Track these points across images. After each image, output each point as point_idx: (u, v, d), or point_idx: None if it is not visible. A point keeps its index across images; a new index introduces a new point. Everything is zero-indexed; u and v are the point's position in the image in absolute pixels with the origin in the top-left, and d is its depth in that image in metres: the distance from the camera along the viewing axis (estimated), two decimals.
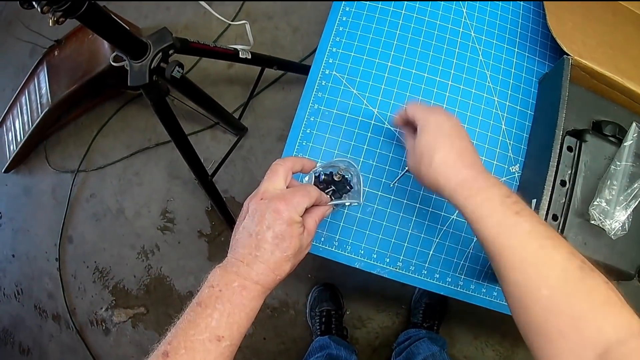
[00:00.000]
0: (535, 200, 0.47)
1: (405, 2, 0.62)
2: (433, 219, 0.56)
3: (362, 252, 0.55)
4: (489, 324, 1.21)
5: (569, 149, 0.47)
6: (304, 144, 0.58)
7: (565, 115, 0.50)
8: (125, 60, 0.71)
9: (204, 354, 0.33)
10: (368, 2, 0.62)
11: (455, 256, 0.55)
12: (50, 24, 0.56)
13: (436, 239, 0.55)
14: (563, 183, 0.47)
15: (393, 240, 0.55)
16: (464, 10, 0.62)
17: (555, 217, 0.46)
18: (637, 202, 0.47)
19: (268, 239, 0.37)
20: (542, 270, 0.30)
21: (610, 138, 0.51)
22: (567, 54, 0.50)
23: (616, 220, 0.46)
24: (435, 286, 0.55)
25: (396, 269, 0.55)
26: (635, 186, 0.48)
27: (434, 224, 0.55)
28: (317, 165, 0.49)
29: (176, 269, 1.37)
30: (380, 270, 0.55)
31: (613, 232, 0.46)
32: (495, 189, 0.35)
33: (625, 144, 0.49)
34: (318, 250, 0.56)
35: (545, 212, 0.46)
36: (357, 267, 0.55)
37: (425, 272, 0.55)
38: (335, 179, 0.52)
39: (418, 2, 0.62)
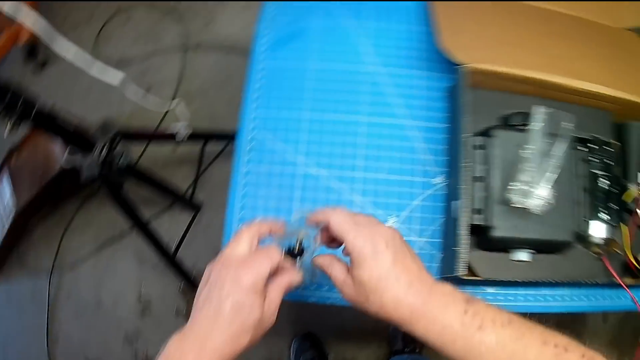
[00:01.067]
0: (458, 201, 0.51)
1: (313, 55, 0.68)
2: None
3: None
4: None
5: (481, 147, 0.53)
6: (245, 207, 0.61)
7: (473, 118, 0.56)
8: (75, 159, 0.75)
9: None
10: (279, 60, 0.69)
11: None
12: (7, 133, 0.61)
13: None
14: (480, 179, 0.52)
15: None
16: (367, 42, 0.69)
17: (479, 211, 0.51)
18: (555, 175, 0.53)
19: (227, 308, 0.34)
20: None
21: (520, 127, 0.57)
22: (463, 64, 0.57)
23: (537, 197, 0.51)
24: None
25: None
26: (550, 162, 0.53)
27: None
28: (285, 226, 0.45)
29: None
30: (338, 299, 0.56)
31: (537, 208, 0.51)
32: (450, 311, 0.33)
33: (532, 127, 0.55)
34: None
35: (468, 209, 0.51)
36: (313, 301, 0.56)
37: None
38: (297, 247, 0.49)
39: (324, 58, 0.68)
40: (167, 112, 1.48)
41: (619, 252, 0.61)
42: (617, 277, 0.58)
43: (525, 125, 0.56)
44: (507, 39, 0.62)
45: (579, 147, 0.61)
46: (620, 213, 0.60)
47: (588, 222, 0.58)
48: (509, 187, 0.51)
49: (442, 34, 0.58)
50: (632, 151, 0.64)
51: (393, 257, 0.35)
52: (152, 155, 1.45)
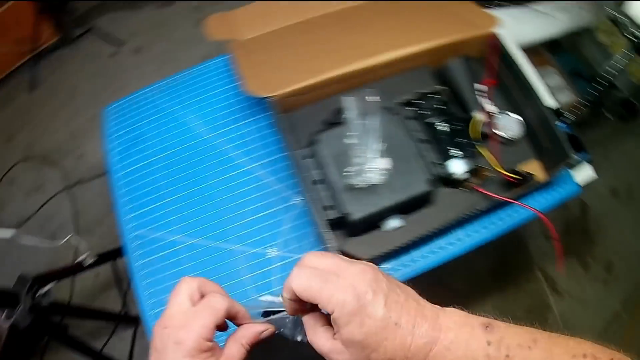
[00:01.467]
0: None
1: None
2: None
3: None
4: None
5: (310, 155, 0.59)
6: (152, 296, 0.65)
7: (300, 133, 0.63)
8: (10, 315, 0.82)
9: None
10: (133, 165, 0.76)
11: None
12: None
13: None
14: (320, 181, 0.57)
15: None
16: (194, 117, 0.76)
17: (329, 207, 0.56)
18: (380, 145, 0.57)
19: None
20: None
21: (340, 122, 0.62)
22: (269, 97, 0.63)
23: (372, 169, 0.55)
24: None
25: None
26: (371, 136, 0.57)
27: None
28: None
29: None
30: None
31: (377, 178, 0.55)
32: (472, 346, 0.29)
33: (346, 116, 0.60)
34: None
35: (317, 210, 0.55)
36: None
37: None
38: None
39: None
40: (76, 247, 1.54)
41: (491, 174, 0.65)
42: (495, 195, 0.61)
43: (343, 118, 0.62)
44: (302, 57, 0.69)
45: (407, 109, 0.67)
46: (470, 144, 0.64)
47: (444, 165, 0.62)
48: (344, 173, 0.56)
49: (244, 79, 0.65)
50: (459, 86, 0.70)
51: (384, 301, 0.29)
52: (81, 288, 1.41)
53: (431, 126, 0.64)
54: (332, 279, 0.30)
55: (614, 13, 0.96)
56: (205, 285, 0.35)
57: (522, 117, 0.70)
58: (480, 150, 0.65)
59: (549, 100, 0.76)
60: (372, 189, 0.56)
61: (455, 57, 0.70)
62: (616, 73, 1.09)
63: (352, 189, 0.56)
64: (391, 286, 0.30)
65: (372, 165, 0.55)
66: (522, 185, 0.63)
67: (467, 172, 0.62)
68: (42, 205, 1.64)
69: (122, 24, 1.86)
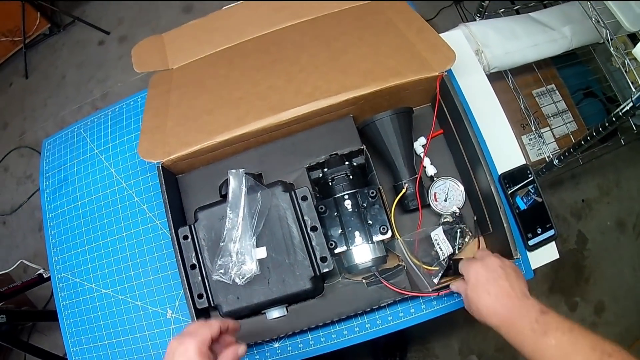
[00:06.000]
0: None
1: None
2: None
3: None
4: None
5: (185, 237, 0.52)
6: (73, 334, 0.67)
7: (197, 199, 0.57)
8: None
9: None
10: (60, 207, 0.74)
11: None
12: None
13: None
14: (193, 267, 0.51)
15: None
16: (112, 171, 0.72)
17: (200, 296, 0.50)
18: (259, 230, 0.50)
19: None
20: None
21: (224, 197, 0.55)
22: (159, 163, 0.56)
23: (245, 262, 0.49)
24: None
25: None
26: (250, 222, 0.50)
27: None
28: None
29: None
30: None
31: (250, 272, 0.48)
32: (525, 319, 0.41)
33: (229, 193, 0.52)
34: None
35: (189, 299, 0.50)
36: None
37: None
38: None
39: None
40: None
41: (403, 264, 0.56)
42: (402, 291, 0.53)
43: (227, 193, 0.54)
44: (216, 104, 0.61)
45: (314, 176, 0.58)
46: (386, 223, 0.54)
47: (348, 252, 0.53)
48: (216, 265, 0.49)
49: (140, 144, 0.58)
50: (387, 145, 0.59)
51: (487, 278, 0.45)
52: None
53: (340, 201, 0.55)
54: (471, 266, 0.48)
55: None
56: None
57: (464, 185, 0.60)
58: (398, 235, 0.55)
59: (517, 157, 0.64)
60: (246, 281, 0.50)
61: (387, 110, 0.58)
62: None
63: (226, 284, 0.50)
64: (499, 272, 0.46)
65: (246, 256, 0.49)
66: (447, 276, 0.55)
67: (373, 259, 0.53)
68: (31, 195, 1.69)
69: (109, 11, 1.80)
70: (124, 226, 0.68)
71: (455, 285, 0.51)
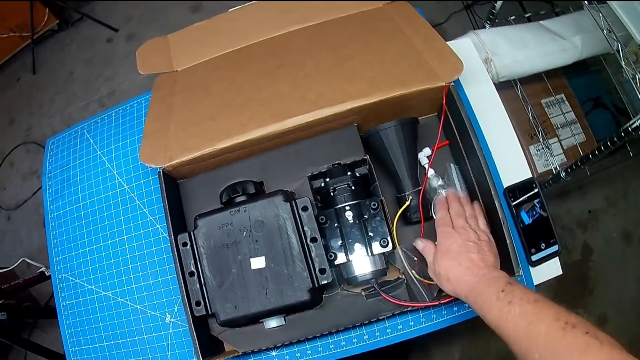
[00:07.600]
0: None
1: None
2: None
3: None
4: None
5: (184, 244, 0.52)
6: (72, 335, 0.68)
7: (198, 205, 0.56)
8: None
9: None
10: (64, 208, 0.74)
11: None
12: None
13: None
14: (191, 274, 0.50)
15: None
16: (115, 173, 0.72)
17: (198, 304, 0.49)
18: (257, 240, 0.50)
19: None
20: (532, 340, 0.38)
21: (229, 202, 0.55)
22: (160, 168, 0.56)
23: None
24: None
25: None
26: (248, 232, 0.50)
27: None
28: None
29: None
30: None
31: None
32: (492, 288, 0.42)
33: (232, 200, 0.53)
34: None
35: (187, 305, 0.49)
36: None
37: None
38: None
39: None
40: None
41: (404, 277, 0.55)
42: (403, 303, 0.52)
43: (235, 197, 0.54)
44: (218, 109, 0.60)
45: (315, 185, 0.58)
46: (387, 235, 0.53)
47: (349, 264, 0.53)
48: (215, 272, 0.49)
49: (141, 148, 0.58)
50: (390, 156, 0.58)
51: (459, 251, 0.47)
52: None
53: (341, 212, 0.54)
54: (451, 230, 0.50)
55: None
56: None
57: (470, 196, 0.59)
58: (399, 248, 0.55)
59: (524, 170, 0.63)
60: (244, 291, 0.49)
61: (392, 119, 0.58)
62: None
63: (222, 287, 0.49)
64: (469, 245, 0.47)
65: (245, 264, 0.48)
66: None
67: (373, 272, 0.53)
68: (36, 191, 1.70)
69: (118, 9, 1.81)
70: (124, 229, 0.68)
71: (422, 244, 0.52)
